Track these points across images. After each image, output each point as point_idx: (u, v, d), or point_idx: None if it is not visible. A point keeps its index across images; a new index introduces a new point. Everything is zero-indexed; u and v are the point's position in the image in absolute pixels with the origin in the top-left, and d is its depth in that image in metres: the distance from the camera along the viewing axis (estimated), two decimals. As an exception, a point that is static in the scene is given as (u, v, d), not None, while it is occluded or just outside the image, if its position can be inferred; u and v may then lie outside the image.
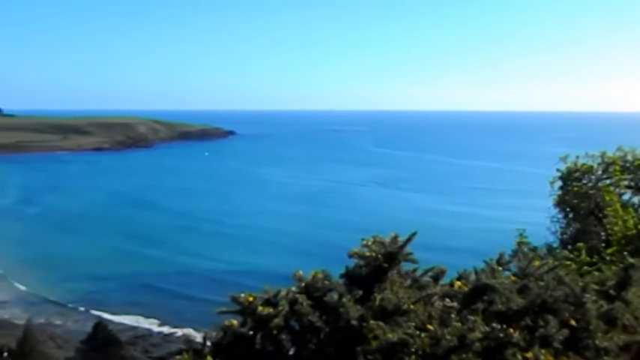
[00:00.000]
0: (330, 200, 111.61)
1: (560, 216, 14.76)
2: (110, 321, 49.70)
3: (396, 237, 6.61)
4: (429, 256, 7.26)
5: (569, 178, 14.51)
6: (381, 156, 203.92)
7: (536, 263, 6.84)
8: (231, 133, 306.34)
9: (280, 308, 6.08)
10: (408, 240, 6.54)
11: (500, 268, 6.83)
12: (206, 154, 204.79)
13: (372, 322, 5.72)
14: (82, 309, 56.66)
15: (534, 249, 10.46)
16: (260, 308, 6.06)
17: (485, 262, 6.89)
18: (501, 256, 7.07)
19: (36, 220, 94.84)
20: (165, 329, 52.45)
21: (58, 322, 54.07)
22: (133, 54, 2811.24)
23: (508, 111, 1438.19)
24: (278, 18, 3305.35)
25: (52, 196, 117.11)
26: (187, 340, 6.51)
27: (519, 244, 10.52)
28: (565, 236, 14.08)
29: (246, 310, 6.16)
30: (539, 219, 18.03)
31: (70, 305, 57.67)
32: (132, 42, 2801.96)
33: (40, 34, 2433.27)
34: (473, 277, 6.61)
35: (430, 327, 5.63)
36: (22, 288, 62.03)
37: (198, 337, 6.85)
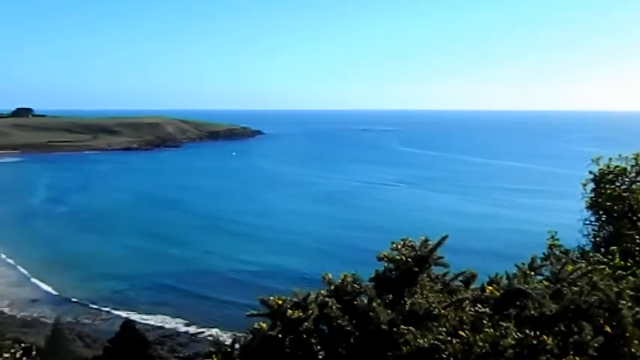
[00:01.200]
0: (357, 201, 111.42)
1: (592, 219, 14.53)
2: (137, 320, 49.99)
3: (426, 240, 6.54)
4: (458, 259, 7.15)
5: (602, 180, 14.26)
6: (408, 155, 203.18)
7: (570, 268, 6.70)
8: (258, 132, 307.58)
9: (310, 312, 6.03)
10: (439, 243, 6.47)
11: (533, 273, 6.71)
12: (234, 153, 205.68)
13: (402, 327, 5.65)
14: (108, 308, 57.22)
15: (566, 252, 10.30)
16: (290, 312, 6.02)
17: (517, 266, 6.77)
18: (533, 260, 6.93)
19: (64, 220, 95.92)
20: (192, 329, 52.71)
21: (86, 321, 54.65)
22: (158, 55, 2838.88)
23: (528, 110, 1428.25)
24: (278, 18, 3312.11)
25: (81, 196, 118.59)
26: (216, 342, 6.50)
27: (551, 246, 10.36)
28: (598, 239, 13.85)
29: (275, 313, 6.12)
30: (569, 221, 17.74)
31: (97, 305, 58.23)
32: (156, 43, 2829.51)
33: (69, 37, 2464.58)
34: (504, 281, 6.50)
35: (462, 333, 5.54)
36: (51, 287, 62.77)
37: (224, 337, 6.82)
